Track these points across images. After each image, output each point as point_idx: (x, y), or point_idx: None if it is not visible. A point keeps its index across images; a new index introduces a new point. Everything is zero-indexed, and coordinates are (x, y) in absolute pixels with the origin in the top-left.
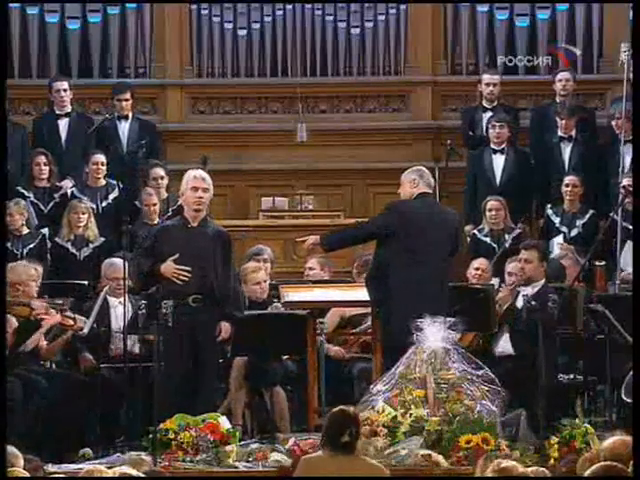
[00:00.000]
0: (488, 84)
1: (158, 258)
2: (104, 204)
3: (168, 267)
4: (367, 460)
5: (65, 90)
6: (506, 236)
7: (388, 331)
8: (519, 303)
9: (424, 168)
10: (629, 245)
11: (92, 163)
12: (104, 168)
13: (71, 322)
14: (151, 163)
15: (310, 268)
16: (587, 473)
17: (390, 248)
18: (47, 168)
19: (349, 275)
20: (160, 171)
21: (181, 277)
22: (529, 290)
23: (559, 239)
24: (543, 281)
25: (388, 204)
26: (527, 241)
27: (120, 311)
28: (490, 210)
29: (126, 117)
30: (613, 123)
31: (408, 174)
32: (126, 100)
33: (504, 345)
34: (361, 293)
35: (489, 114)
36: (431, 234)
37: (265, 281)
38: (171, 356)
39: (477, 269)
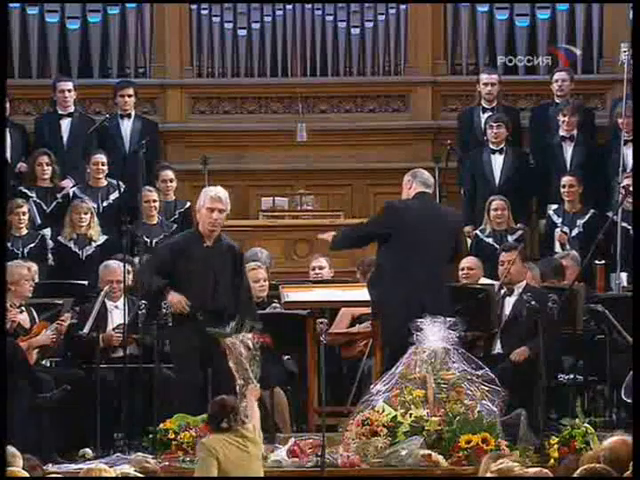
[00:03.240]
0: (486, 84)
1: (171, 276)
2: (105, 204)
3: (178, 302)
4: (244, 432)
5: (69, 90)
6: (508, 237)
7: (386, 332)
8: (507, 309)
9: (421, 169)
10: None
11: (93, 163)
12: (105, 168)
13: (53, 337)
14: (161, 165)
15: (320, 267)
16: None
17: (388, 248)
18: (50, 168)
19: (351, 275)
20: (170, 174)
21: (184, 311)
22: (515, 292)
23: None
24: (525, 282)
25: (385, 203)
26: (507, 243)
27: (116, 315)
28: (495, 210)
29: (128, 115)
30: (620, 121)
31: (404, 177)
32: (129, 96)
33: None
34: (361, 293)
35: (488, 114)
36: (427, 232)
37: (264, 280)
38: (186, 369)
39: (463, 268)
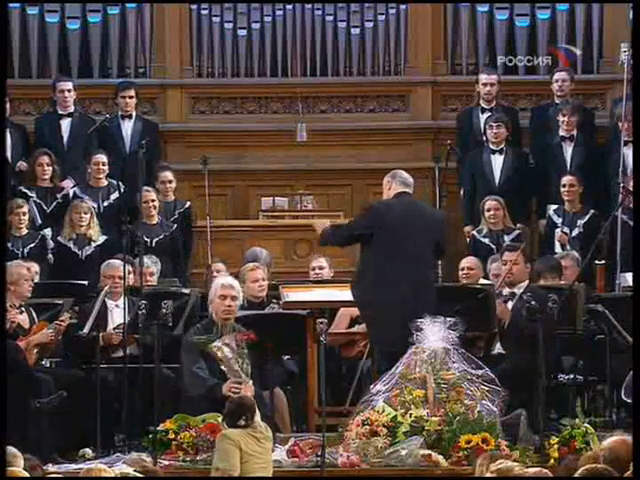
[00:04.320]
0: (485, 84)
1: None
2: (105, 204)
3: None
4: (260, 429)
5: (69, 91)
6: (505, 237)
7: (373, 333)
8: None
9: (400, 170)
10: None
11: (93, 163)
12: (105, 168)
13: (52, 336)
14: (160, 166)
15: (320, 267)
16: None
17: (370, 248)
18: (50, 168)
19: (351, 275)
20: (169, 175)
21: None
22: (515, 292)
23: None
24: (527, 282)
25: (367, 204)
26: (510, 243)
27: (116, 314)
28: (489, 210)
29: (130, 116)
30: (620, 124)
31: (384, 178)
32: (130, 97)
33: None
34: None
35: (487, 114)
36: (409, 232)
37: (264, 279)
38: None
39: (463, 268)
